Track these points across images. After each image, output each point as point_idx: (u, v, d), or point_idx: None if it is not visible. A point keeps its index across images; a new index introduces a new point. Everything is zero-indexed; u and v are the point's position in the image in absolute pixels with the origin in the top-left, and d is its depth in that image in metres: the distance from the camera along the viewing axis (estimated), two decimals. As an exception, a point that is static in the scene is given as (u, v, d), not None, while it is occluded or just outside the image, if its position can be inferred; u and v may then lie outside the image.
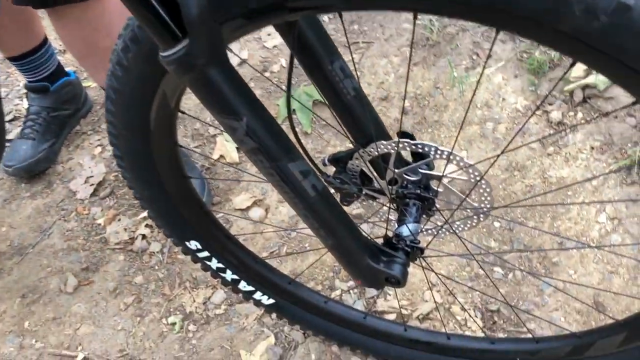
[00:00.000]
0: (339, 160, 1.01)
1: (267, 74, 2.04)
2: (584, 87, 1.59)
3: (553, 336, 1.14)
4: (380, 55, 1.95)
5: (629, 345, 1.00)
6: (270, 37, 2.15)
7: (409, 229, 0.93)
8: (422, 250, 0.93)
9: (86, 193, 1.80)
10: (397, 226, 0.95)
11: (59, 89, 1.90)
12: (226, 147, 1.86)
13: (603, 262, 1.40)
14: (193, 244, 1.16)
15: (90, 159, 1.90)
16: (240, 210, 1.70)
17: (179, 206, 1.08)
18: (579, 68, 1.61)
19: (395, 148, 0.94)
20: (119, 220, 1.73)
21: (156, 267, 1.62)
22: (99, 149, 1.93)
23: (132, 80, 0.81)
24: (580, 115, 1.59)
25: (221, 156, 1.85)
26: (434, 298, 1.44)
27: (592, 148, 1.52)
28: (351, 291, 1.50)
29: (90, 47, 1.49)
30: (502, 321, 1.39)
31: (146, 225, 1.70)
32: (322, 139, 1.83)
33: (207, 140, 1.91)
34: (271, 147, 0.72)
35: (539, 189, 1.51)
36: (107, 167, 1.87)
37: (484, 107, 1.69)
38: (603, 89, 1.55)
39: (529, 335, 1.29)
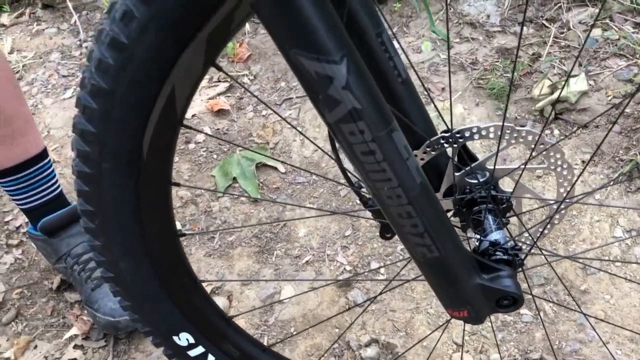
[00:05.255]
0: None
1: (192, 146, 1.81)
2: (554, 103, 1.56)
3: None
4: (320, 108, 1.82)
5: None
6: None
7: (501, 236, 0.75)
8: (522, 260, 0.75)
9: (-19, 321, 1.41)
10: (480, 236, 0.76)
11: None
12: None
13: (636, 278, 1.29)
14: (183, 338, 0.88)
15: (-20, 277, 1.51)
16: (196, 304, 1.40)
17: (168, 281, 0.81)
18: (544, 85, 1.58)
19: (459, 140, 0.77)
20: (36, 347, 1.36)
21: (100, 398, 1.26)
22: (-10, 262, 1.55)
23: (129, 70, 0.58)
24: (557, 131, 1.54)
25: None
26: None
27: (583, 162, 1.46)
28: (363, 374, 1.24)
29: None
30: (550, 370, 1.21)
31: (75, 347, 1.34)
32: (276, 204, 1.62)
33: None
34: (375, 108, 0.52)
35: (539, 215, 1.40)
36: (5, 283, 1.50)
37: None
38: (575, 101, 1.52)
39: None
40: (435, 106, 0.78)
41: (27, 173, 1.31)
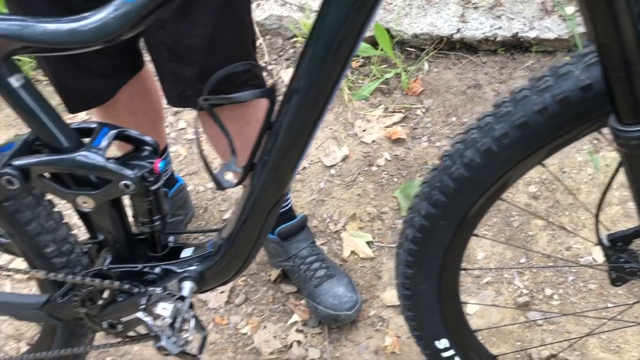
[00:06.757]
0: (622, 238, 1.03)
1: (374, 168, 2.08)
2: None
3: None
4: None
5: None
6: (366, 132, 2.21)
7: None
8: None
9: (219, 301, 1.74)
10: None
11: (174, 195, 1.88)
12: (356, 243, 1.85)
13: None
14: (442, 343, 1.14)
15: (212, 265, 1.84)
16: (392, 307, 1.67)
17: (444, 301, 1.06)
18: None
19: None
20: (265, 327, 1.67)
21: (324, 375, 1.55)
22: (218, 254, 1.87)
23: (488, 167, 0.83)
24: None
25: (352, 252, 1.83)
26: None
27: None
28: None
29: (242, 141, 1.48)
30: None
31: (297, 331, 1.64)
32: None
33: (332, 237, 1.90)
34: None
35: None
36: (234, 272, 1.82)
37: (620, 187, 1.77)
38: None
39: None
40: None
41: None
